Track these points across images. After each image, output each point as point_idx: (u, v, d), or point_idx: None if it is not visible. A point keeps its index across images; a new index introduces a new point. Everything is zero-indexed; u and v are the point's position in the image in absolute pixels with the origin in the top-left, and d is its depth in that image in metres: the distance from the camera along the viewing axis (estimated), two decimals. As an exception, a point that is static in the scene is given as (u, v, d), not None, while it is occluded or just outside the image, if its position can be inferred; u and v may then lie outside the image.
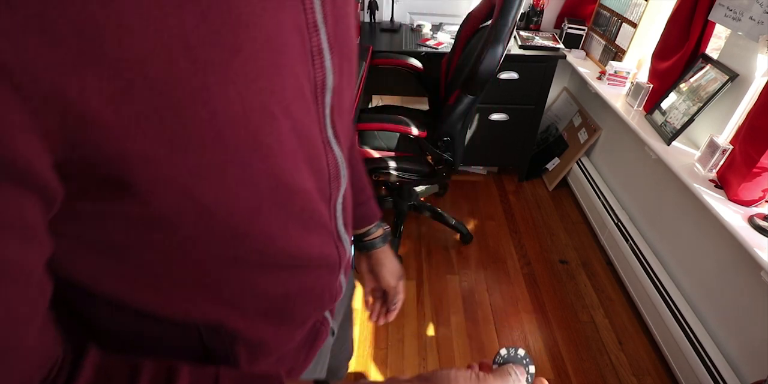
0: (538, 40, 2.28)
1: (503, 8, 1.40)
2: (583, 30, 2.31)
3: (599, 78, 2.13)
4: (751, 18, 1.38)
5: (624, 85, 2.02)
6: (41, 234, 0.28)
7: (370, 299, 0.83)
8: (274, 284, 0.45)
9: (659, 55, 1.80)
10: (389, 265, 0.77)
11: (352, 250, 0.69)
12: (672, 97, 1.70)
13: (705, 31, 1.60)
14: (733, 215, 1.34)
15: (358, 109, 1.59)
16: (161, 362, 0.35)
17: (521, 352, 0.36)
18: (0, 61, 0.22)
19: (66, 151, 0.26)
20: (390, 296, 0.79)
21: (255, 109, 0.32)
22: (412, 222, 2.34)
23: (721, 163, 1.45)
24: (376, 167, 1.77)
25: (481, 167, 2.74)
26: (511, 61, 2.17)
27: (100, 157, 0.28)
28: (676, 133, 1.62)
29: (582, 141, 2.43)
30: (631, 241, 1.92)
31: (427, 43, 2.25)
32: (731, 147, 1.41)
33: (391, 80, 2.50)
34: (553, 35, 2.38)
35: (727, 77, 1.47)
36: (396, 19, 2.50)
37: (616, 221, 2.06)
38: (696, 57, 1.64)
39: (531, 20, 2.42)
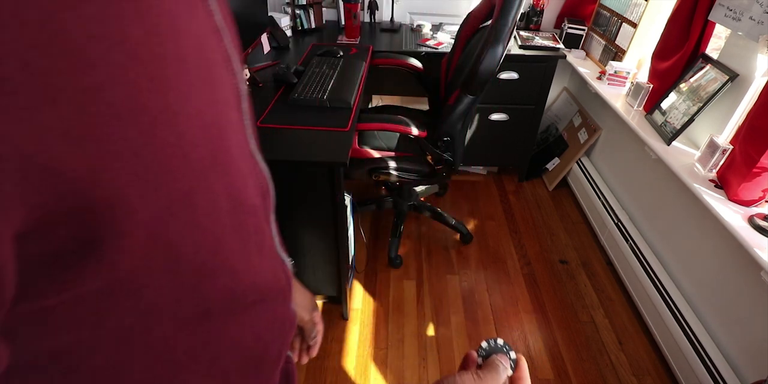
0: (538, 40, 2.29)
1: (503, 8, 1.40)
2: (583, 30, 2.31)
3: (599, 78, 2.13)
4: (751, 18, 1.38)
5: (624, 85, 2.02)
6: None
7: None
8: (247, 329, 0.41)
9: (659, 55, 1.80)
10: (300, 298, 0.70)
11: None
12: (672, 97, 1.70)
13: (705, 31, 1.60)
14: (733, 215, 1.34)
15: (357, 109, 1.60)
16: None
17: (500, 341, 0.39)
18: None
19: (25, 216, 0.21)
20: (307, 331, 0.71)
21: (211, 123, 0.30)
22: (412, 222, 2.34)
23: (721, 163, 1.45)
24: (376, 167, 1.77)
25: (481, 167, 2.74)
26: (511, 61, 2.17)
27: (64, 215, 0.23)
28: (676, 133, 1.62)
29: (582, 141, 2.43)
30: (631, 241, 1.92)
31: (427, 43, 2.25)
32: (731, 147, 1.41)
33: (391, 80, 2.50)
34: (553, 35, 2.38)
35: (727, 77, 1.47)
36: (396, 19, 2.50)
37: (616, 221, 2.06)
38: (696, 57, 1.64)
39: (531, 20, 2.42)
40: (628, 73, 1.99)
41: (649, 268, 1.78)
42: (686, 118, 1.59)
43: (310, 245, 1.59)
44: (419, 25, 2.41)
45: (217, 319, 0.37)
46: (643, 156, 1.94)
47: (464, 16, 1.87)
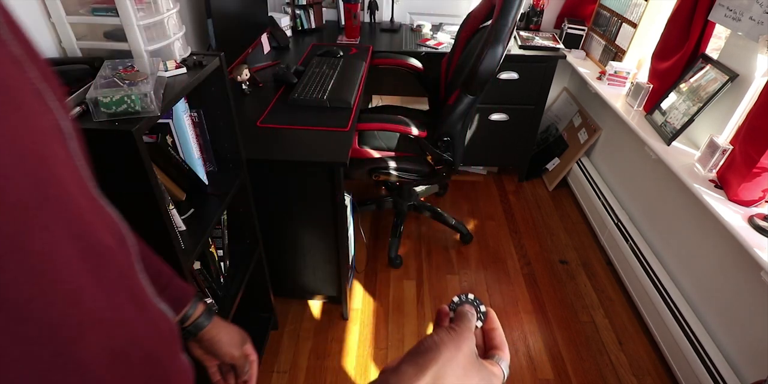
0: (538, 41, 2.29)
1: (503, 8, 1.40)
2: (583, 30, 2.31)
3: (599, 78, 2.13)
4: (751, 18, 1.38)
5: (624, 85, 2.02)
6: None
7: (218, 379, 0.73)
8: None
9: (659, 55, 1.80)
10: (225, 337, 0.68)
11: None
12: (672, 97, 1.70)
13: (705, 31, 1.60)
14: (733, 215, 1.34)
15: (357, 109, 1.60)
16: None
17: (471, 296, 0.42)
18: None
19: None
20: (239, 367, 0.70)
21: (28, 154, 0.27)
22: (412, 222, 2.34)
23: (721, 163, 1.45)
24: (376, 167, 1.77)
25: (481, 167, 2.74)
26: (511, 61, 2.17)
27: None
28: (676, 133, 1.62)
29: (582, 141, 2.43)
30: (631, 241, 1.92)
31: (427, 43, 2.25)
32: (731, 147, 1.41)
33: (391, 80, 2.50)
34: (553, 35, 2.38)
35: (727, 77, 1.47)
36: (396, 19, 2.50)
37: (616, 221, 2.06)
38: (696, 57, 1.64)
39: (531, 20, 2.42)
40: (628, 73, 1.99)
41: (649, 268, 1.78)
42: (686, 118, 1.59)
43: (310, 245, 1.59)
44: (419, 25, 2.41)
45: None
46: (643, 156, 1.94)
47: (464, 16, 1.87)
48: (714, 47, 1.68)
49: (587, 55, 2.34)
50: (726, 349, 1.44)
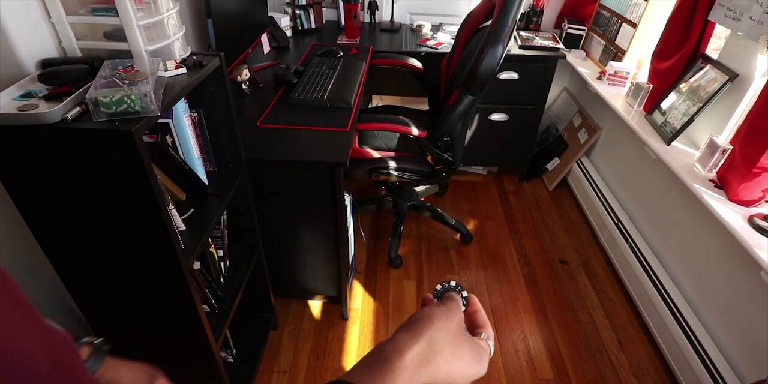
0: (538, 41, 2.29)
1: (503, 8, 1.40)
2: (583, 30, 2.31)
3: (599, 78, 2.13)
4: (750, 18, 1.38)
5: (624, 86, 2.02)
6: None
7: None
8: None
9: (659, 55, 1.80)
10: (127, 378, 0.63)
11: None
12: (672, 97, 1.70)
13: (705, 31, 1.60)
14: (733, 215, 1.34)
15: (357, 109, 1.60)
16: None
17: (453, 283, 0.45)
18: None
19: None
20: None
21: None
22: (412, 222, 2.34)
23: (721, 163, 1.45)
24: (376, 167, 1.77)
25: (481, 167, 2.74)
26: (511, 61, 2.17)
27: None
28: (676, 133, 1.62)
29: (582, 141, 2.43)
30: (631, 241, 1.92)
31: (427, 43, 2.25)
32: (731, 147, 1.41)
33: (391, 80, 2.50)
34: (553, 35, 2.38)
35: (727, 77, 1.47)
36: (396, 19, 2.50)
37: (616, 221, 2.06)
38: (696, 57, 1.64)
39: (531, 20, 2.42)
40: (628, 73, 1.99)
41: (649, 268, 1.78)
42: (686, 118, 1.59)
43: (310, 245, 1.59)
44: (419, 26, 2.41)
45: None
46: (643, 156, 1.94)
47: (464, 17, 1.87)
48: (714, 47, 1.68)
49: (587, 55, 2.34)
50: (726, 349, 1.44)
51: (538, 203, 2.51)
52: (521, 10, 1.50)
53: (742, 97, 1.47)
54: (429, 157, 1.73)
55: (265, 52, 2.05)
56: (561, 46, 2.26)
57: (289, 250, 1.62)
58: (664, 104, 1.73)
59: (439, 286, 0.46)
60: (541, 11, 2.40)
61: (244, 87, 1.67)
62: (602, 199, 2.20)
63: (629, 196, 2.10)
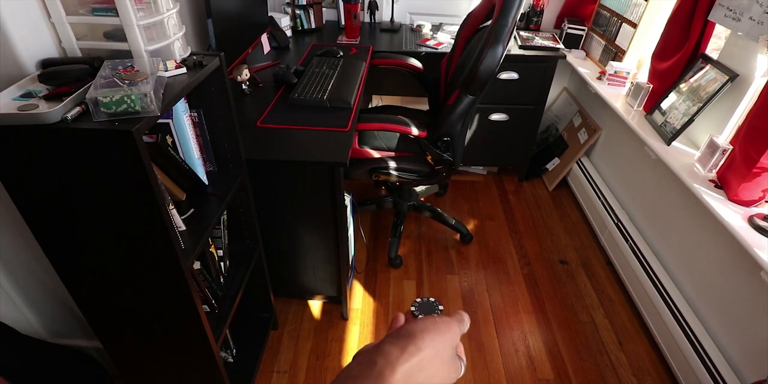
0: (538, 41, 2.29)
1: (503, 8, 1.40)
2: (583, 30, 2.31)
3: (599, 78, 2.13)
4: (751, 18, 1.38)
5: (624, 86, 2.02)
6: None
7: None
8: None
9: (659, 55, 1.80)
10: None
11: None
12: (672, 97, 1.70)
13: (705, 32, 1.60)
14: (733, 215, 1.34)
15: (357, 109, 1.60)
16: None
17: (432, 299, 0.46)
18: None
19: None
20: None
21: None
22: (412, 222, 2.34)
23: (721, 163, 1.45)
24: (376, 167, 1.77)
25: (481, 167, 2.74)
26: (511, 61, 2.17)
27: None
28: (676, 134, 1.62)
29: (582, 141, 2.43)
30: (631, 241, 1.92)
31: (427, 43, 2.25)
32: (731, 147, 1.41)
33: (391, 80, 2.50)
34: (553, 35, 2.38)
35: (727, 77, 1.47)
36: (396, 19, 2.50)
37: (616, 221, 2.06)
38: (696, 57, 1.64)
39: (531, 20, 2.42)
40: (628, 73, 1.99)
41: (649, 268, 1.78)
42: (686, 119, 1.59)
43: (310, 245, 1.59)
44: (419, 26, 2.41)
45: None
46: (643, 156, 1.94)
47: (464, 17, 1.87)
48: (714, 47, 1.68)
49: (587, 55, 2.34)
50: (726, 349, 1.44)
51: (538, 203, 2.51)
52: (521, 10, 1.50)
53: (742, 97, 1.47)
54: (429, 157, 1.73)
55: (265, 52, 2.05)
56: (561, 46, 2.26)
57: (289, 250, 1.61)
58: (664, 104, 1.73)
59: (418, 300, 0.46)
60: (541, 11, 2.40)
61: (244, 87, 1.67)
62: (602, 199, 2.20)
63: (629, 196, 2.10)
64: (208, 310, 1.19)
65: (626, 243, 1.94)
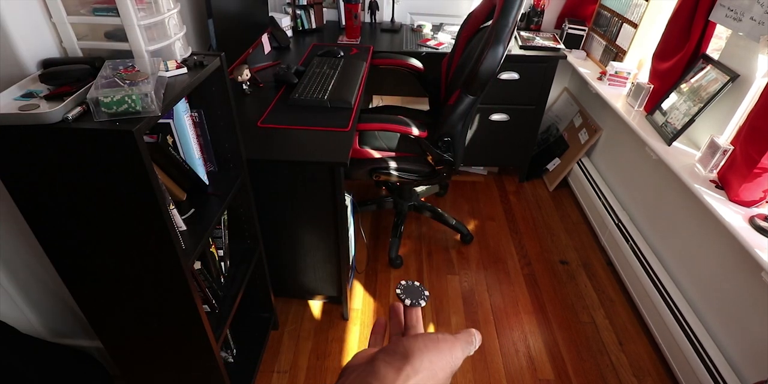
0: (539, 41, 2.28)
1: (504, 9, 1.40)
2: (584, 30, 2.31)
3: (600, 78, 2.12)
4: (751, 18, 1.38)
5: (625, 86, 2.01)
6: None
7: None
8: None
9: (660, 55, 1.80)
10: None
11: None
12: (673, 97, 1.70)
13: (706, 32, 1.60)
14: (733, 216, 1.34)
15: (358, 109, 1.60)
16: None
17: (417, 283, 0.45)
18: None
19: None
20: None
21: None
22: (413, 222, 2.34)
23: (722, 163, 1.45)
24: (377, 167, 1.77)
25: (482, 167, 2.74)
26: (511, 62, 2.17)
27: None
28: (677, 134, 1.62)
29: (582, 141, 2.43)
30: (631, 241, 1.92)
31: (428, 43, 2.25)
32: (732, 147, 1.41)
33: (392, 80, 2.50)
34: (554, 36, 2.38)
35: (728, 78, 1.47)
36: (396, 19, 2.50)
37: (616, 222, 2.06)
38: (697, 57, 1.64)
39: (531, 20, 2.42)
40: (629, 73, 1.99)
41: (649, 269, 1.78)
42: (687, 119, 1.59)
43: (311, 245, 1.59)
44: (420, 26, 2.41)
45: None
46: (643, 156, 1.94)
47: (465, 17, 1.87)
48: (715, 47, 1.68)
49: (588, 55, 2.34)
50: (726, 350, 1.44)
51: (539, 203, 2.51)
52: (522, 11, 1.50)
53: (743, 98, 1.47)
54: (429, 158, 1.73)
55: (266, 52, 2.05)
56: (561, 46, 2.26)
57: (289, 250, 1.62)
58: (665, 104, 1.73)
59: (403, 282, 0.45)
60: (542, 11, 2.39)
61: (244, 87, 1.67)
62: (603, 199, 2.20)
63: (630, 196, 2.10)
64: (209, 310, 1.19)
65: (627, 243, 1.94)
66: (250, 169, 1.29)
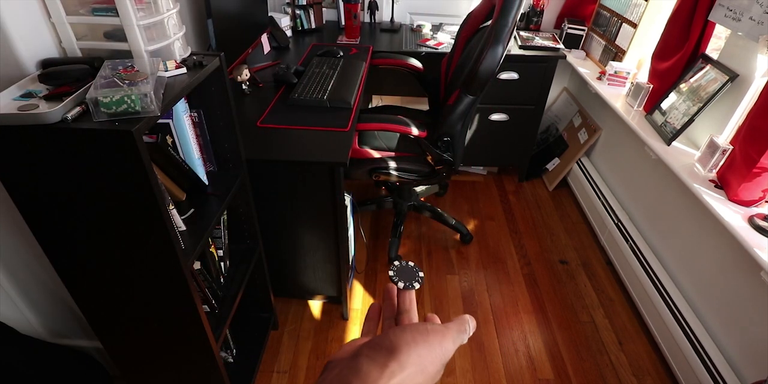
0: (538, 41, 2.29)
1: (503, 8, 1.40)
2: (583, 30, 2.31)
3: (599, 78, 2.13)
4: (751, 18, 1.38)
5: (624, 86, 2.02)
6: None
7: None
8: None
9: (659, 55, 1.80)
10: None
11: None
12: (672, 97, 1.70)
13: (705, 32, 1.60)
14: (733, 215, 1.34)
15: (357, 109, 1.60)
16: None
17: (411, 263, 0.43)
18: None
19: None
20: None
21: None
22: (412, 222, 2.34)
23: (721, 163, 1.45)
24: (376, 167, 1.77)
25: (481, 167, 2.74)
26: (511, 62, 2.17)
27: None
28: (676, 134, 1.62)
29: (582, 141, 2.43)
30: (631, 241, 1.92)
31: (427, 43, 2.25)
32: (731, 147, 1.41)
33: (391, 80, 2.50)
34: (553, 35, 2.38)
35: (727, 77, 1.47)
36: (396, 19, 2.50)
37: (616, 221, 2.06)
38: (696, 57, 1.64)
39: (531, 20, 2.42)
40: (628, 73, 1.99)
41: (649, 268, 1.78)
42: (686, 119, 1.59)
43: (310, 245, 1.59)
44: (419, 26, 2.41)
45: None
46: (643, 156, 1.94)
47: (464, 17, 1.87)
48: (714, 47, 1.68)
49: (587, 55, 2.34)
50: (726, 349, 1.44)
51: (538, 203, 2.51)
52: (521, 11, 1.50)
53: (743, 97, 1.47)
54: (429, 157, 1.73)
55: (265, 52, 2.05)
56: (561, 46, 2.26)
57: (289, 250, 1.61)
58: (665, 104, 1.73)
59: (397, 263, 0.43)
60: (541, 11, 2.40)
61: (244, 87, 1.67)
62: (602, 199, 2.20)
63: (629, 196, 2.10)
64: (208, 310, 1.19)
65: (626, 243, 1.94)
66: (250, 169, 1.29)
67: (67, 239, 0.88)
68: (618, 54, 2.08)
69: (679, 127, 1.61)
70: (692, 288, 1.63)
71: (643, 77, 1.99)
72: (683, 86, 1.67)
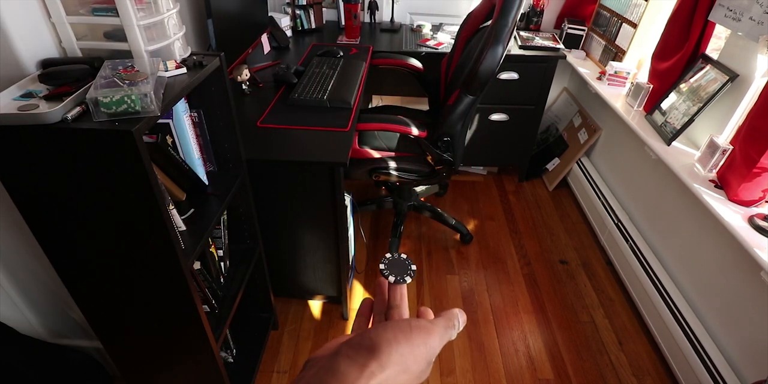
0: (538, 41, 2.29)
1: (503, 8, 1.40)
2: (583, 30, 2.31)
3: (599, 78, 2.13)
4: (751, 18, 1.38)
5: (624, 86, 2.02)
6: None
7: None
8: None
9: (659, 55, 1.80)
10: None
11: None
12: (672, 97, 1.70)
13: (705, 32, 1.60)
14: (733, 215, 1.34)
15: (357, 109, 1.60)
16: None
17: (403, 256, 0.42)
18: None
19: None
20: None
21: None
22: (412, 222, 2.34)
23: (721, 163, 1.45)
24: (376, 167, 1.77)
25: (481, 167, 2.74)
26: (511, 62, 2.17)
27: None
28: (676, 134, 1.62)
29: (582, 141, 2.43)
30: (631, 241, 1.92)
31: (427, 43, 2.25)
32: (731, 147, 1.41)
33: (391, 80, 2.50)
34: (553, 35, 2.38)
35: (727, 77, 1.47)
36: (396, 19, 2.50)
37: (616, 221, 2.06)
38: (696, 57, 1.64)
39: (531, 20, 2.42)
40: (628, 73, 1.99)
41: (649, 268, 1.78)
42: (686, 119, 1.59)
43: (310, 245, 1.59)
44: (419, 26, 2.41)
45: None
46: (643, 156, 1.94)
47: (464, 17, 1.87)
48: (714, 47, 1.68)
49: (587, 55, 2.34)
50: (726, 349, 1.44)
51: (538, 203, 2.51)
52: (521, 11, 1.50)
53: (743, 98, 1.47)
54: (429, 157, 1.73)
55: (265, 52, 2.05)
56: (561, 46, 2.26)
57: (289, 250, 1.61)
58: (665, 104, 1.73)
59: (388, 255, 0.42)
60: (541, 11, 2.40)
61: (244, 87, 1.67)
62: (602, 199, 2.20)
63: (629, 196, 2.10)
64: (208, 310, 1.19)
65: (626, 243, 1.94)
66: (250, 169, 1.29)
67: (67, 239, 0.88)
68: (618, 54, 2.08)
69: (679, 127, 1.61)
70: (692, 288, 1.63)
71: (643, 77, 1.99)
72: (683, 86, 1.67)
